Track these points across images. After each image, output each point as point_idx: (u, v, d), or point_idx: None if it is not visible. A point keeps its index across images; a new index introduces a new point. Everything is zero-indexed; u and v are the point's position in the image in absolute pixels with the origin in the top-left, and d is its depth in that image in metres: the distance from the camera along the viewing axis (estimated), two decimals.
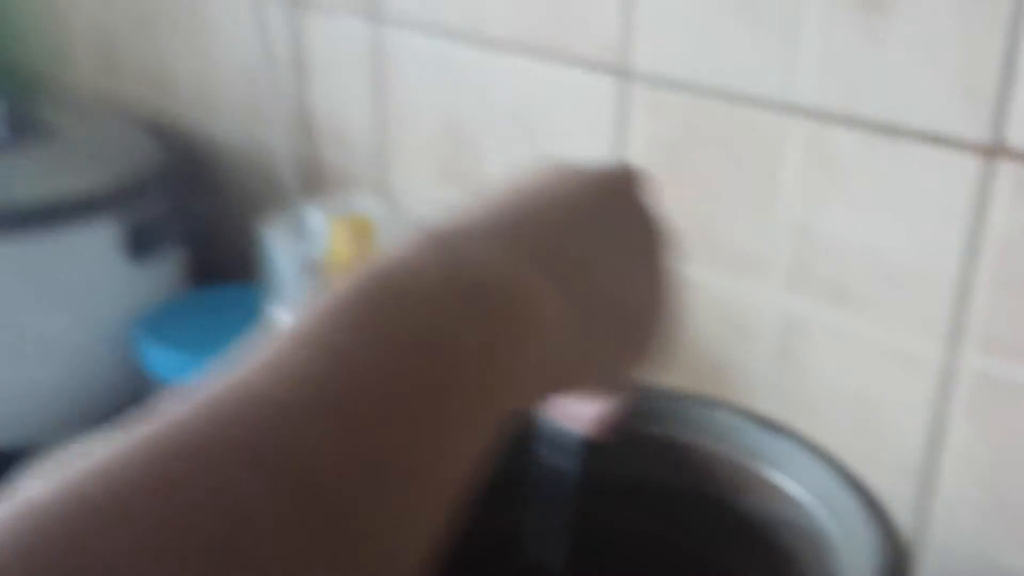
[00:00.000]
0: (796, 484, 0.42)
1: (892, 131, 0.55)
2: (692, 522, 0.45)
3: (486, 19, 0.70)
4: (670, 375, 0.42)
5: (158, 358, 0.75)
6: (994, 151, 0.52)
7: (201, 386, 0.21)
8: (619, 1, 0.63)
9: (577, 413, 0.35)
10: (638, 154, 0.65)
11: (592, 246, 0.31)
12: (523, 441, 0.37)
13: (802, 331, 0.62)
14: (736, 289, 0.64)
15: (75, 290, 0.77)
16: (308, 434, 0.20)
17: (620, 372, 0.33)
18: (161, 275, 0.82)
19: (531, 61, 0.68)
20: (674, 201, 0.40)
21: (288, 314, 0.66)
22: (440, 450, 0.23)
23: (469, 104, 0.73)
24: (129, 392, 0.79)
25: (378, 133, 0.79)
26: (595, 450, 0.40)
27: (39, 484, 0.18)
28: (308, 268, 0.68)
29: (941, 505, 0.60)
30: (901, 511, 0.60)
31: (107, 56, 0.99)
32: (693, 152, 0.63)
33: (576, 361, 0.30)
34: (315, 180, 0.84)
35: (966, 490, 0.59)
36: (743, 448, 0.44)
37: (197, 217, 0.87)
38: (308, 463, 0.19)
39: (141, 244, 0.79)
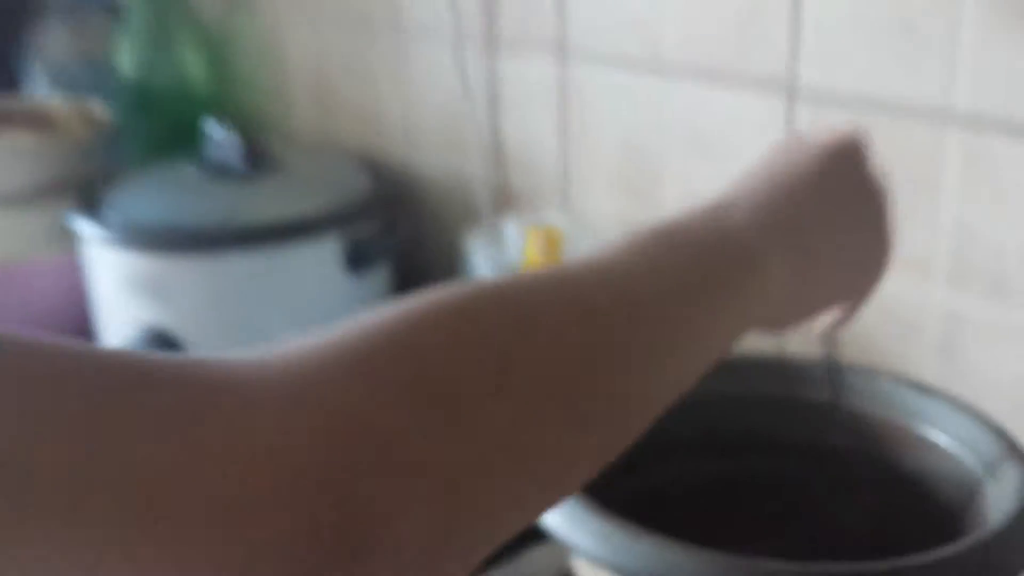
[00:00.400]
0: (949, 439, 0.48)
1: None
2: (858, 479, 0.51)
3: (662, 47, 0.78)
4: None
5: None
6: None
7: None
8: (787, 23, 0.70)
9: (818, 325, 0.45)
10: None
11: (823, 210, 0.41)
12: None
13: (962, 326, 0.66)
14: (899, 287, 0.69)
15: (301, 299, 0.89)
16: (635, 300, 0.33)
17: (843, 306, 0.43)
18: (375, 286, 0.93)
19: (703, 84, 0.76)
20: None
21: None
22: (696, 336, 0.35)
23: (647, 127, 0.81)
24: None
25: (563, 157, 0.89)
26: (774, 415, 0.47)
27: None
28: (505, 273, 0.77)
29: None
30: None
31: (325, 100, 1.13)
32: None
33: (792, 308, 0.40)
34: (506, 200, 0.94)
35: None
36: (903, 411, 0.50)
37: (405, 235, 0.99)
38: (642, 314, 0.33)
39: (357, 259, 0.90)
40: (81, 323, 0.98)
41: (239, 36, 1.20)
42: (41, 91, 1.20)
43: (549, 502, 0.31)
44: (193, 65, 1.16)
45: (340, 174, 0.97)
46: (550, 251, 0.76)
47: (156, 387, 0.23)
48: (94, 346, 0.25)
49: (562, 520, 0.41)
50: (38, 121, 1.11)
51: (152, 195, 0.92)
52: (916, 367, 0.68)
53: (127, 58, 1.14)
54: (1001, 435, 0.45)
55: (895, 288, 0.69)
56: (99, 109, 1.11)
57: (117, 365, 0.24)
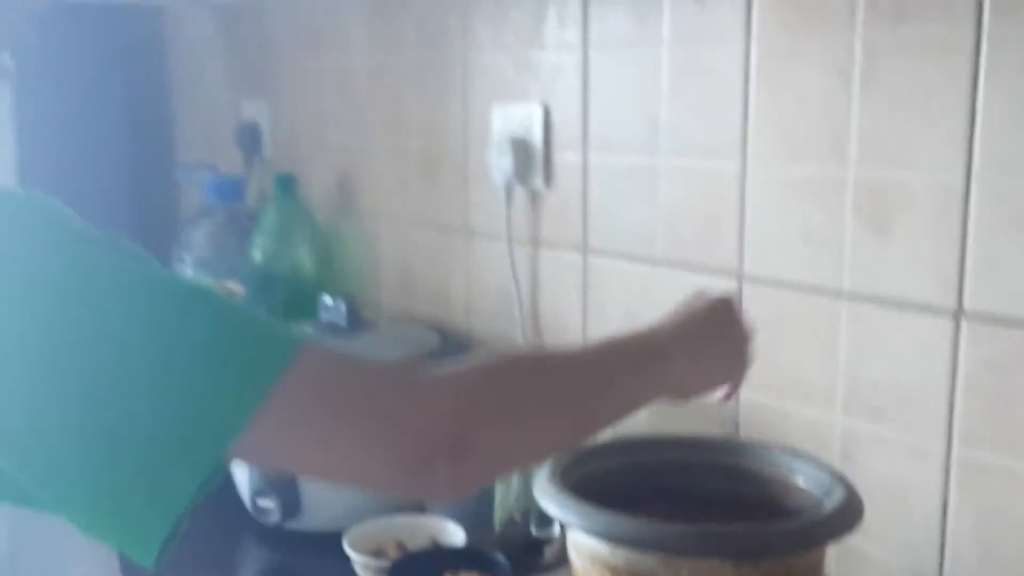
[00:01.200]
0: (805, 479, 0.75)
1: None
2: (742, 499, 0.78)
3: (653, 246, 1.10)
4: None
5: None
6: None
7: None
8: (736, 234, 1.02)
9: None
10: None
11: (710, 331, 0.73)
12: None
13: (855, 439, 0.93)
14: (809, 412, 0.97)
15: None
16: (602, 366, 0.66)
17: (719, 388, 0.74)
18: None
19: (680, 270, 1.07)
20: None
21: None
22: (632, 389, 0.67)
23: (642, 301, 1.12)
24: None
25: (583, 324, 1.20)
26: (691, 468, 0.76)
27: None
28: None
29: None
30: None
31: (407, 281, 1.46)
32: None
33: (689, 384, 0.72)
34: None
35: None
36: (777, 465, 0.78)
37: None
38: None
39: None
40: None
41: (344, 233, 1.56)
42: (189, 273, 1.56)
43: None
44: (307, 255, 1.51)
45: (416, 334, 1.29)
46: None
47: (406, 371, 0.57)
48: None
49: (550, 502, 0.69)
50: None
51: None
52: None
53: (257, 250, 1.50)
54: (834, 472, 0.73)
55: (807, 413, 0.97)
56: (235, 286, 1.46)
57: (382, 368, 0.56)
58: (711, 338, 0.73)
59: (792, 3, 0.94)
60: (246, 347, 0.53)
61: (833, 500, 0.70)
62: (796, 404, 0.98)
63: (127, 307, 0.51)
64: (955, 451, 0.87)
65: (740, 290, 1.02)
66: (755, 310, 1.01)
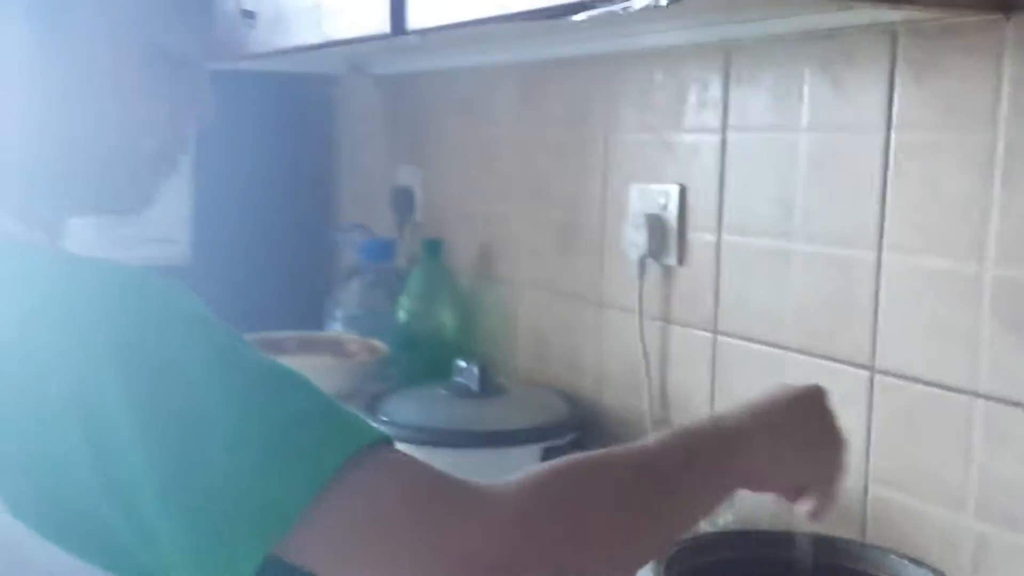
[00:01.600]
0: None
1: None
2: None
3: (780, 330, 1.09)
4: None
5: None
6: None
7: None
8: (869, 327, 1.00)
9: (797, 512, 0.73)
10: None
11: (793, 422, 0.71)
12: None
13: (988, 545, 0.89)
14: (942, 517, 0.93)
15: None
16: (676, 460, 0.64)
17: (806, 486, 0.72)
18: None
19: (807, 356, 1.06)
20: None
21: None
22: (708, 480, 0.65)
23: (769, 385, 1.11)
24: None
25: (711, 402, 1.19)
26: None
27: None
28: None
29: None
30: None
31: (541, 350, 1.50)
32: None
33: (768, 477, 0.70)
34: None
35: None
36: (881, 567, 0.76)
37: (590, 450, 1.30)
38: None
39: None
40: None
41: (484, 298, 1.61)
42: (338, 328, 1.64)
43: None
44: (448, 318, 1.57)
45: (546, 401, 1.32)
46: None
47: (460, 487, 0.57)
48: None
49: None
50: (336, 349, 1.54)
51: (417, 406, 1.29)
52: (956, 574, 0.91)
53: (403, 310, 1.57)
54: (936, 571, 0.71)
55: (937, 515, 0.93)
56: (380, 344, 1.52)
57: (448, 476, 0.58)
58: (795, 426, 0.70)
59: (934, 97, 0.93)
60: (318, 432, 0.56)
61: None
62: (926, 504, 0.95)
63: (220, 384, 0.55)
64: None
65: (871, 382, 1.00)
66: (887, 404, 0.99)
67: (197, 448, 0.54)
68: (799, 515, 0.72)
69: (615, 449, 0.65)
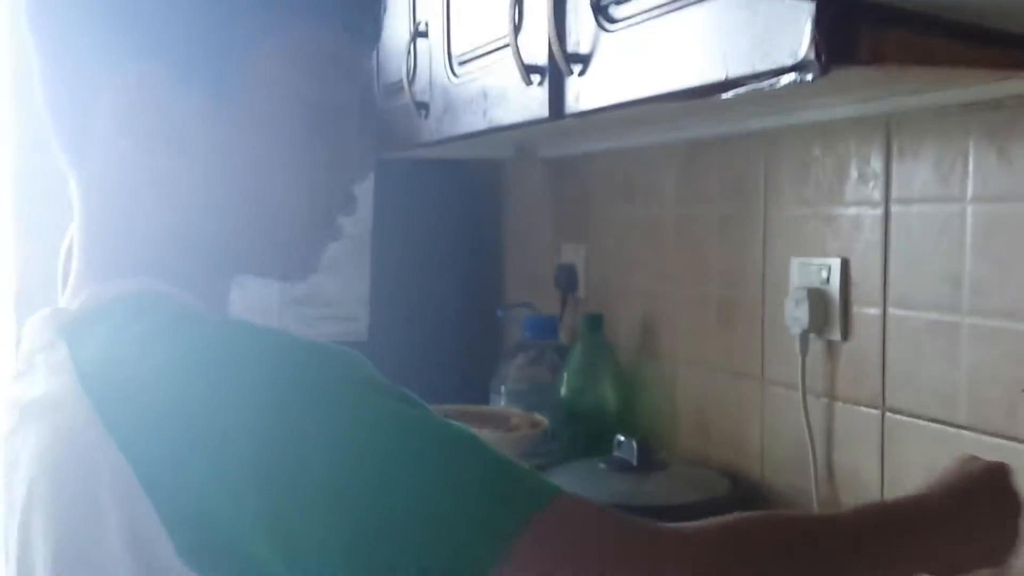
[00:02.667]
0: None
1: None
2: None
3: (957, 411, 1.05)
4: None
5: None
6: None
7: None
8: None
9: None
10: None
11: (979, 499, 0.69)
12: None
13: None
14: None
15: None
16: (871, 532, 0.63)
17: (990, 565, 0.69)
18: None
19: (986, 439, 1.01)
20: None
21: None
22: (893, 563, 0.63)
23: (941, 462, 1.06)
24: None
25: (881, 483, 1.15)
26: None
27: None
28: None
29: None
30: None
31: (701, 426, 1.49)
32: None
33: (957, 558, 0.67)
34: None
35: None
36: None
37: None
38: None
39: None
40: None
41: (644, 374, 1.61)
42: (502, 403, 1.69)
43: None
44: (609, 393, 1.58)
45: (707, 478, 1.31)
46: None
47: (654, 531, 0.59)
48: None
49: None
50: (500, 423, 1.58)
51: (577, 479, 1.30)
52: None
53: (565, 385, 1.59)
54: None
55: None
56: (542, 418, 1.55)
57: (630, 519, 0.60)
58: (983, 509, 0.68)
59: None
60: (506, 487, 0.57)
61: None
62: None
63: (400, 447, 0.57)
64: None
65: None
66: None
67: (381, 511, 0.55)
68: None
69: (805, 513, 0.66)
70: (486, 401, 1.72)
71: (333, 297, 1.79)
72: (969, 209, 1.04)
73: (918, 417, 1.10)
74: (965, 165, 1.04)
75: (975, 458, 0.73)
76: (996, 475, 0.71)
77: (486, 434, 1.52)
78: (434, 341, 1.93)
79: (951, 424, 1.06)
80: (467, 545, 0.55)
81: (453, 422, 0.61)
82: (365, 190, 1.84)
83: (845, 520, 0.66)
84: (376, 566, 0.55)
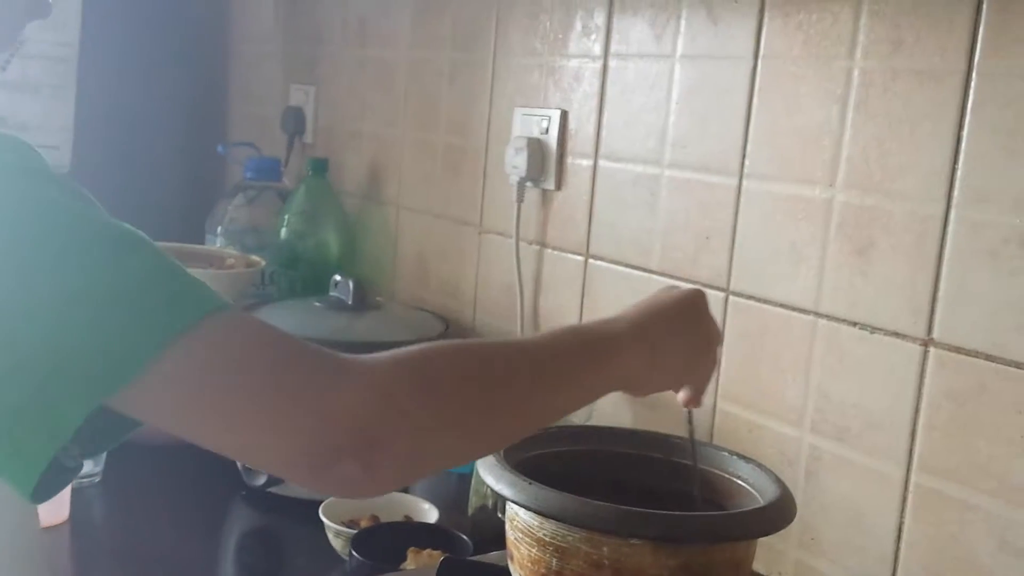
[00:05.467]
0: (748, 483, 0.77)
1: None
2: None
3: (650, 256, 1.12)
4: None
5: None
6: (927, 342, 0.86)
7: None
8: (727, 251, 1.04)
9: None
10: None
11: (672, 326, 0.72)
12: None
13: (820, 458, 0.94)
14: (782, 430, 0.98)
15: None
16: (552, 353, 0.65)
17: (683, 385, 0.74)
18: None
19: (673, 282, 1.09)
20: None
21: None
22: (582, 378, 0.65)
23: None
24: None
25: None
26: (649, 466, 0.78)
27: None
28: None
29: None
30: None
31: (420, 272, 1.51)
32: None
33: (644, 380, 0.71)
34: None
35: None
36: (726, 468, 0.79)
37: None
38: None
39: None
40: None
41: (368, 220, 1.60)
42: (219, 243, 1.62)
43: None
44: (332, 237, 1.56)
45: (421, 319, 1.33)
46: None
47: (324, 353, 0.55)
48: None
49: (489, 474, 0.72)
50: (215, 261, 1.52)
51: (288, 316, 1.29)
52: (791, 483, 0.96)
53: (286, 227, 1.55)
54: (776, 478, 0.75)
55: (777, 429, 0.98)
56: (258, 258, 1.51)
57: (311, 344, 0.56)
58: (674, 332, 0.71)
59: (798, 28, 0.96)
60: (159, 295, 0.53)
61: (765, 501, 0.72)
62: (768, 419, 1.00)
63: (57, 237, 0.53)
64: (913, 478, 0.87)
65: (726, 303, 1.04)
66: (738, 324, 1.03)
67: (29, 298, 0.51)
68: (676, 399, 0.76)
69: (495, 339, 0.66)
70: (202, 242, 1.65)
71: (30, 120, 1.63)
72: (677, 67, 1.10)
73: (617, 263, 1.17)
74: (678, 23, 1.09)
75: (673, 287, 0.77)
76: (689, 299, 0.74)
77: (197, 272, 1.46)
78: (146, 176, 1.82)
79: (645, 270, 1.13)
80: (99, 355, 0.51)
81: (127, 225, 0.56)
82: (72, 5, 1.67)
83: (532, 342, 0.67)
84: (16, 352, 0.51)
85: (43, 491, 0.53)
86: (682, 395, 0.76)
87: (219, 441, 0.55)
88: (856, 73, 0.91)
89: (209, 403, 0.53)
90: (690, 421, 0.78)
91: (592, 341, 0.67)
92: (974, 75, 0.82)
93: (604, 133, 1.19)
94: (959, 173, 0.84)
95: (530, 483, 0.70)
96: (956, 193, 0.84)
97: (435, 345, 0.60)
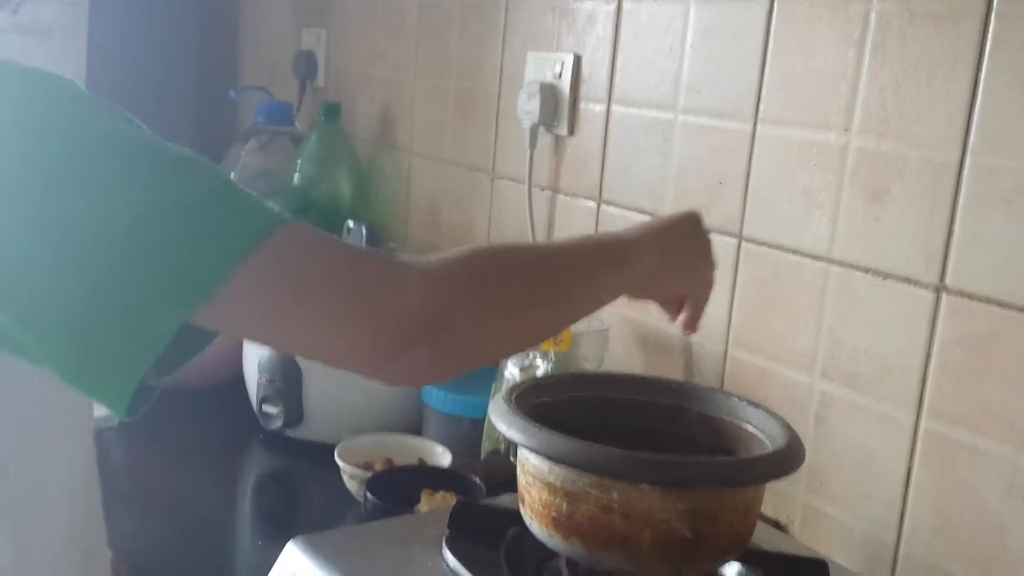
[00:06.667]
0: (754, 428, 0.77)
1: None
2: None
3: (663, 201, 1.12)
4: None
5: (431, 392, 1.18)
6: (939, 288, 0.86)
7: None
8: (740, 197, 1.03)
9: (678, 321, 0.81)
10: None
11: (679, 240, 0.78)
12: None
13: (829, 403, 0.95)
14: (793, 374, 0.98)
15: None
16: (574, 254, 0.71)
17: (685, 293, 0.79)
18: None
19: None
20: None
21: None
22: (600, 278, 0.71)
23: None
24: (411, 409, 1.22)
25: None
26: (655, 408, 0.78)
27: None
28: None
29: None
30: None
31: (433, 218, 1.51)
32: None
33: (652, 285, 0.76)
34: None
35: None
36: (733, 413, 0.80)
37: None
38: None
39: None
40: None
41: (380, 165, 1.60)
42: None
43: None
44: (344, 182, 1.56)
45: None
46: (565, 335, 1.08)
47: (385, 256, 0.60)
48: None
49: (500, 420, 0.73)
50: None
51: None
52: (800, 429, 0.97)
53: (299, 172, 1.55)
54: (784, 424, 0.75)
55: (788, 374, 0.98)
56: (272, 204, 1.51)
57: (371, 249, 0.60)
58: (679, 238, 0.78)
59: None
60: (228, 211, 0.55)
61: (773, 447, 0.72)
62: (778, 364, 1.00)
63: (120, 162, 0.55)
64: (923, 424, 0.88)
65: (738, 250, 1.04)
66: (751, 271, 1.03)
67: (99, 225, 0.53)
68: (676, 325, 0.81)
69: (523, 243, 0.69)
70: None
71: (42, 64, 1.62)
72: (692, 9, 1.08)
73: (630, 209, 1.17)
74: None
75: (673, 213, 0.83)
76: (685, 214, 0.80)
77: None
78: (158, 121, 1.79)
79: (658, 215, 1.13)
80: (178, 272, 0.54)
81: (180, 147, 0.58)
82: None
83: (562, 246, 0.74)
84: (83, 280, 0.53)
85: (134, 409, 0.56)
86: (682, 316, 0.81)
87: (299, 342, 0.60)
88: (873, 16, 0.90)
89: (288, 307, 0.56)
90: (688, 350, 0.82)
91: (611, 244, 0.74)
92: (992, 16, 0.81)
93: (617, 78, 1.18)
94: (975, 118, 0.83)
95: (540, 428, 0.71)
96: (972, 139, 0.83)
97: (484, 248, 0.66)
